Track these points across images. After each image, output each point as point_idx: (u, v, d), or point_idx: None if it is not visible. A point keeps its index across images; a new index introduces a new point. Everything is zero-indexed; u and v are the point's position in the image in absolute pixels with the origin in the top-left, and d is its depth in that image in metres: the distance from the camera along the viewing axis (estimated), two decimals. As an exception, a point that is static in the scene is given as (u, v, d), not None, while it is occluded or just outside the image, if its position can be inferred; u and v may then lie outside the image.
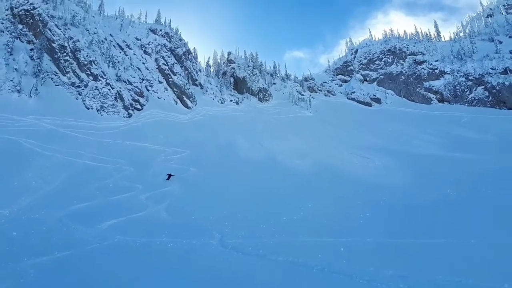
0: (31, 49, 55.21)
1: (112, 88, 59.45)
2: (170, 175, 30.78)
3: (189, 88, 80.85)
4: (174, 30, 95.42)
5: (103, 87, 58.03)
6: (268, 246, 14.22)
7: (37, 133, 38.25)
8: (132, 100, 63.57)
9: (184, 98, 77.77)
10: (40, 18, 58.52)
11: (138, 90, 66.70)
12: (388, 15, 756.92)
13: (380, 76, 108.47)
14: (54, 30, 58.87)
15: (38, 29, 57.80)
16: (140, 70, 74.02)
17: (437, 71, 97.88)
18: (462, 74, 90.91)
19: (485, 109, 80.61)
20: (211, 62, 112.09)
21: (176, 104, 75.24)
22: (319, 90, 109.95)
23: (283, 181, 32.39)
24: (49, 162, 31.20)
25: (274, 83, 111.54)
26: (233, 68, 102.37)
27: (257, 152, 47.74)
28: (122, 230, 16.77)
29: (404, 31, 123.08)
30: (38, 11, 59.09)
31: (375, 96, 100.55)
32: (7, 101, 43.96)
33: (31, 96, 47.23)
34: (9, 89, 46.02)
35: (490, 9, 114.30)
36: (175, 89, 78.43)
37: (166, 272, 11.24)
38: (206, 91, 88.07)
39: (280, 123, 73.68)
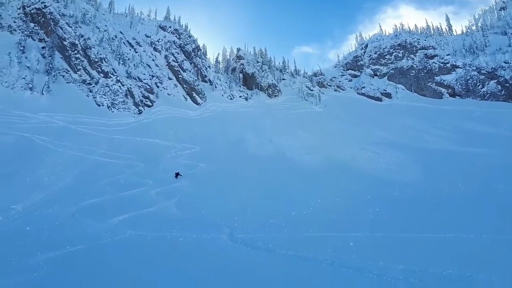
0: (43, 47, 55.85)
1: (123, 85, 59.91)
2: (177, 174, 30.90)
3: (198, 85, 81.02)
4: (183, 27, 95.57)
5: (113, 84, 58.51)
6: (278, 240, 14.25)
7: (50, 130, 38.77)
8: (142, 96, 63.98)
9: (194, 95, 77.99)
10: (51, 17, 59.12)
11: (148, 87, 67.09)
12: (398, 10, 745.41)
13: (391, 71, 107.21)
14: (65, 28, 59.44)
15: (50, 27, 58.41)
16: (150, 67, 74.40)
17: (448, 65, 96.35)
18: (474, 68, 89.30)
19: (497, 103, 79.14)
20: (220, 59, 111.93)
21: (186, 100, 75.50)
22: (329, 85, 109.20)
23: (293, 177, 32.34)
24: (61, 159, 31.64)
25: (283, 79, 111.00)
26: (242, 64, 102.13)
27: (266, 147, 47.74)
28: (133, 225, 16.97)
29: (415, 25, 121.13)
30: (49, 9, 59.69)
31: (385, 91, 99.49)
32: (20, 99, 44.62)
33: (43, 94, 47.86)
34: (22, 87, 46.69)
35: (503, 1, 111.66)
36: (184, 86, 78.67)
37: (176, 266, 11.35)
38: (216, 87, 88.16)
39: (289, 119, 73.49)
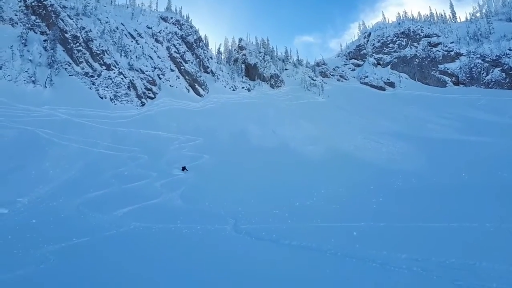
0: (45, 40, 55.73)
1: (125, 77, 59.84)
2: (184, 168, 30.90)
3: (200, 76, 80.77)
4: (185, 18, 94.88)
5: (116, 76, 58.45)
6: (281, 231, 14.31)
7: (53, 123, 38.90)
8: (145, 88, 63.92)
9: (196, 86, 77.80)
10: (53, 9, 58.85)
11: (151, 79, 66.98)
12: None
13: (394, 60, 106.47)
14: (66, 20, 59.22)
15: (51, 20, 58.20)
16: (152, 59, 74.20)
17: (452, 53, 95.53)
18: (478, 55, 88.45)
19: (502, 91, 78.55)
20: (222, 49, 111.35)
21: (188, 92, 75.33)
22: (332, 75, 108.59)
23: (296, 167, 32.37)
24: (66, 151, 31.81)
25: (286, 69, 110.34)
26: (245, 55, 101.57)
27: (269, 138, 47.73)
28: (137, 217, 17.09)
29: (418, 12, 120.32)
30: (50, 1, 59.35)
31: (388, 80, 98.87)
32: (23, 92, 44.69)
33: (46, 87, 47.91)
34: (25, 80, 46.73)
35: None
36: (187, 77, 78.44)
37: (181, 257, 11.44)
38: (218, 78, 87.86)
39: (292, 109, 73.27)
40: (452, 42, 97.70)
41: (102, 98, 54.51)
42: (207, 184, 26.52)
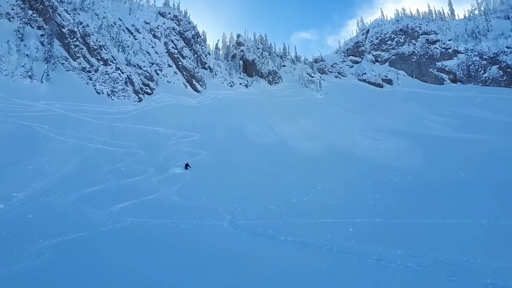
0: (42, 35, 55.33)
1: (122, 73, 59.60)
2: (187, 165, 30.66)
3: (198, 72, 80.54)
4: (182, 13, 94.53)
5: (113, 72, 58.22)
6: (278, 227, 14.36)
7: (50, 118, 38.75)
8: (142, 84, 63.71)
9: (194, 82, 77.59)
10: (50, 3, 58.37)
11: (148, 74, 66.76)
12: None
13: (392, 57, 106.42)
14: (63, 15, 58.83)
15: (48, 15, 57.76)
16: (150, 54, 73.94)
17: (450, 50, 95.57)
18: (476, 53, 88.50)
19: (499, 89, 78.63)
20: (220, 45, 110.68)
21: (186, 88, 75.15)
22: (330, 72, 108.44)
23: (293, 164, 32.46)
24: (62, 147, 31.71)
25: (284, 66, 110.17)
26: (242, 51, 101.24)
27: (267, 135, 47.75)
28: (134, 212, 17.11)
29: (417, 9, 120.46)
30: (47, -4, 58.97)
31: (386, 77, 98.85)
32: (19, 87, 44.43)
33: (42, 82, 47.65)
34: (21, 75, 46.45)
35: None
36: (184, 73, 78.21)
37: (178, 252, 11.46)
38: (216, 74, 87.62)
39: (290, 106, 73.29)
40: (450, 40, 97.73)
41: (99, 93, 54.29)
42: (204, 180, 26.52)
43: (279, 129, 51.40)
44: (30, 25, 55.94)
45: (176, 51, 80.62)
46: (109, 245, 12.52)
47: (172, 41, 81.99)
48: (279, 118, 59.32)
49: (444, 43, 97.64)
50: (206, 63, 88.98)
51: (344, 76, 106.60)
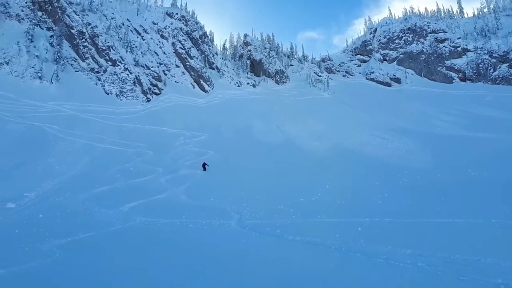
0: (51, 36, 55.93)
1: (131, 73, 59.97)
2: (204, 165, 30.58)
3: (206, 72, 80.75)
4: (190, 14, 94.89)
5: (121, 72, 58.61)
6: (286, 226, 14.31)
7: (59, 119, 39.16)
8: (150, 84, 64.05)
9: (201, 82, 77.80)
10: (59, 5, 59.00)
11: (156, 75, 67.09)
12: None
13: (400, 56, 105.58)
14: (72, 16, 59.38)
15: (57, 16, 58.37)
16: (158, 55, 74.29)
17: (459, 49, 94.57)
18: (485, 51, 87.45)
19: (509, 88, 77.55)
20: (227, 45, 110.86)
21: (194, 88, 75.37)
22: (337, 71, 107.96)
23: (301, 163, 32.37)
24: (72, 147, 32.04)
25: (291, 65, 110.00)
26: (250, 51, 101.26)
27: (274, 134, 47.72)
28: (143, 212, 17.21)
29: (425, 8, 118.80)
30: (56, -3, 59.57)
31: (394, 76, 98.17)
32: (30, 88, 44.93)
33: (52, 83, 48.14)
34: (31, 76, 46.99)
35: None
36: (192, 73, 78.45)
37: (186, 251, 11.50)
38: (223, 74, 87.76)
39: (297, 106, 73.14)
40: (459, 38, 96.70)
41: (108, 94, 54.70)
42: (212, 179, 26.59)
43: (287, 129, 51.33)
44: (40, 27, 56.56)
45: (183, 51, 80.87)
46: (118, 244, 12.60)
47: (180, 41, 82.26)
48: (287, 118, 59.24)
49: (453, 42, 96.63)
50: (213, 63, 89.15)
51: (351, 75, 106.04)
